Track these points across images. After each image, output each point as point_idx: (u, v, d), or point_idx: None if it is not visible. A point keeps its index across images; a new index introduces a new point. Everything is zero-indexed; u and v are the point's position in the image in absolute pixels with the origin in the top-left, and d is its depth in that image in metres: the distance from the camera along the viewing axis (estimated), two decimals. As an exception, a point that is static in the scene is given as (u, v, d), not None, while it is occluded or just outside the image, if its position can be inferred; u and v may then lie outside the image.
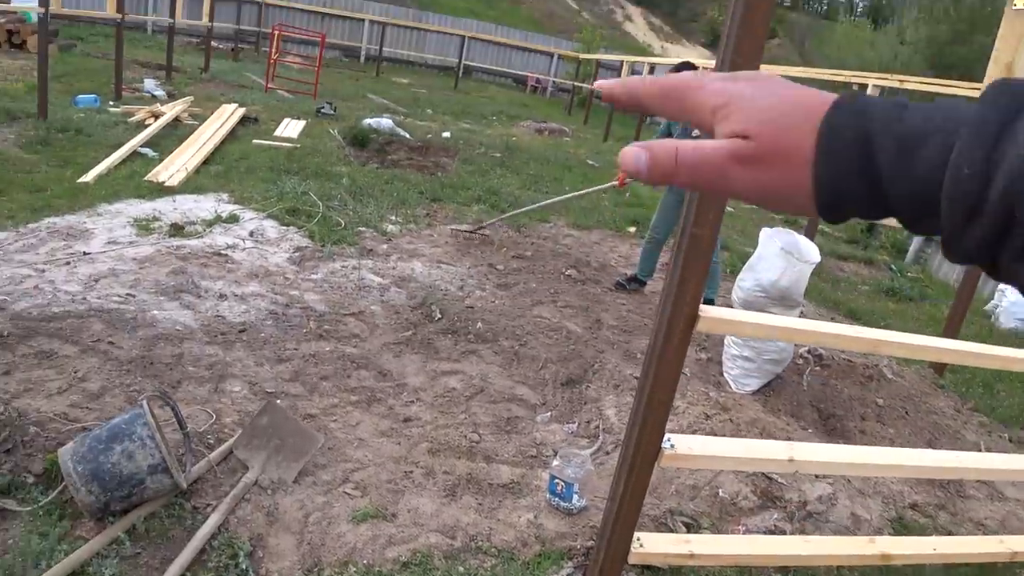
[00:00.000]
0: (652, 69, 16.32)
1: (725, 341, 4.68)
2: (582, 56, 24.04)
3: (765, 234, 4.44)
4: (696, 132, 5.11)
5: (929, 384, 5.25)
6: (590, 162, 12.54)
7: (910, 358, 5.10)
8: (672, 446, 2.37)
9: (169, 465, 2.39)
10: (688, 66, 5.78)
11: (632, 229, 7.98)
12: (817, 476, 3.58)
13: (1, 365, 3.26)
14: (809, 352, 5.11)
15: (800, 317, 5.11)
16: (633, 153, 0.51)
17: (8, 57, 12.85)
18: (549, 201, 7.04)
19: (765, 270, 4.29)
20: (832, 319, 6.26)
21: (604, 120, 17.54)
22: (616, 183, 5.58)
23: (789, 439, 3.79)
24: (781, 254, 4.23)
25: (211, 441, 2.97)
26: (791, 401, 4.43)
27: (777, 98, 0.49)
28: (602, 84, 0.56)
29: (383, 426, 3.45)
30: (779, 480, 3.52)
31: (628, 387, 4.08)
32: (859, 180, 0.46)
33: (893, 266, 9.31)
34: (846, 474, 3.46)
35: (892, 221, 0.48)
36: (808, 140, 0.47)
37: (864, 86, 7.36)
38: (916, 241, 9.93)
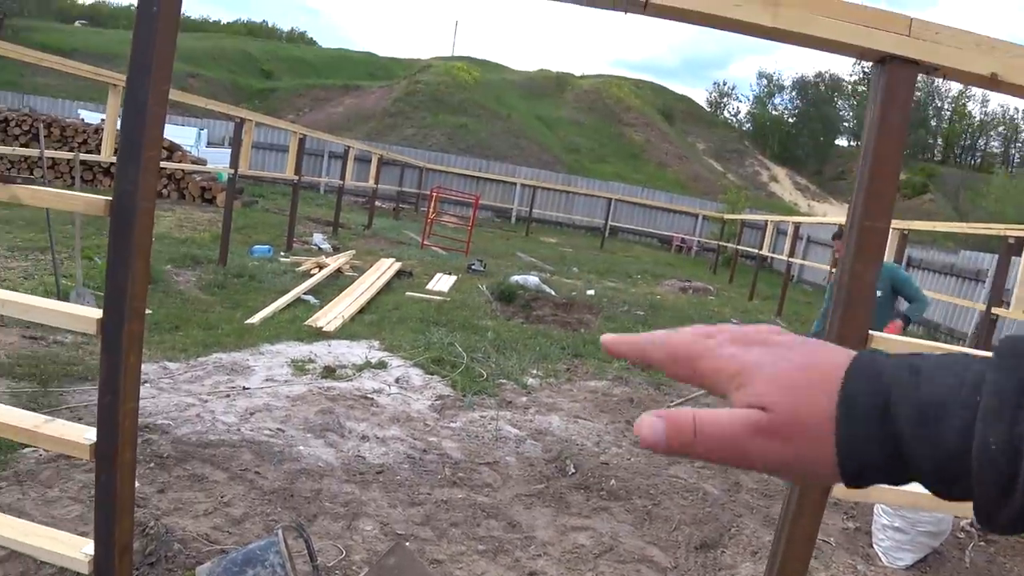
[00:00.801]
0: (797, 228, 16.17)
1: (875, 509, 4.36)
2: (727, 216, 24.21)
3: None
4: (878, 294, 4.98)
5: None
6: (733, 320, 12.36)
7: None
8: (809, 621, 2.21)
9: (296, 596, 2.45)
10: None
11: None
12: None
13: (157, 484, 3.52)
14: (972, 524, 4.66)
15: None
16: (649, 423, 0.49)
17: (199, 210, 14.41)
18: None
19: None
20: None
21: (750, 279, 17.38)
22: None
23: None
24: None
25: (339, 577, 3.03)
26: (951, 580, 4.03)
27: (791, 364, 0.48)
28: (608, 339, 0.56)
29: (508, 578, 3.40)
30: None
31: (767, 554, 3.84)
32: (881, 450, 0.45)
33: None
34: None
35: None
36: (826, 409, 0.46)
37: (1020, 239, 7.02)
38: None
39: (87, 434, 2.34)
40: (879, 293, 5.29)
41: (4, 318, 5.79)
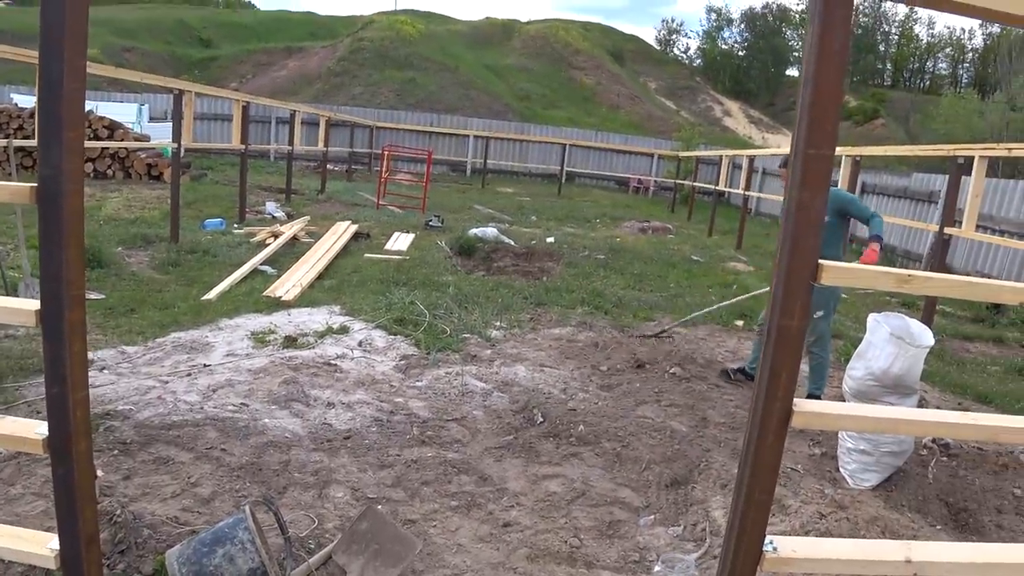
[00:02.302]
0: (752, 161, 16.26)
1: (840, 434, 4.46)
2: (681, 154, 24.27)
3: (873, 320, 4.28)
4: (825, 218, 4.91)
5: (1080, 472, 4.80)
6: (694, 257, 12.47)
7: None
8: (775, 549, 2.25)
9: (268, 569, 2.45)
10: None
11: (739, 323, 7.82)
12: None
13: (122, 470, 3.48)
14: (934, 442, 4.79)
15: (919, 404, 4.83)
16: None
17: (147, 188, 14.07)
18: (719, 305, 7.67)
19: (875, 357, 4.11)
20: (959, 405, 5.88)
21: (708, 215, 17.50)
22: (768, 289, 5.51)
23: (915, 538, 3.53)
24: (891, 339, 4.06)
25: (312, 546, 3.03)
26: (916, 496, 4.14)
27: None
28: None
29: (482, 531, 3.43)
30: (906, 587, 3.26)
31: (736, 486, 3.92)
32: None
33: (1026, 343, 8.72)
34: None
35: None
36: None
37: (970, 159, 7.12)
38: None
39: (38, 428, 2.29)
40: (826, 219, 5.28)
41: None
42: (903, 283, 2.13)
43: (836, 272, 2.07)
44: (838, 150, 11.26)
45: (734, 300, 7.46)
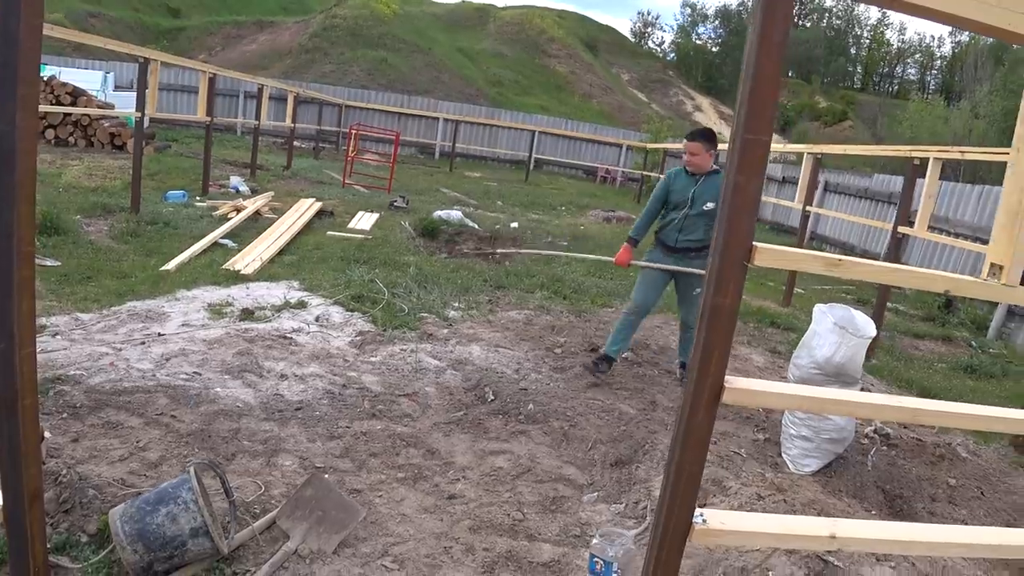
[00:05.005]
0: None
1: (783, 420, 4.59)
2: (650, 146, 24.43)
3: (819, 310, 4.41)
4: (710, 205, 5.04)
5: (1009, 463, 4.99)
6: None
7: (984, 431, 4.89)
8: (704, 521, 2.34)
9: (210, 529, 2.50)
10: (708, 133, 5.55)
11: (694, 314, 7.95)
12: (879, 559, 3.44)
13: (71, 433, 3.49)
14: (875, 432, 4.95)
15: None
16: None
17: (110, 157, 13.85)
18: (561, 253, 8.57)
19: (819, 346, 4.24)
20: (900, 403, 6.06)
21: (673, 209, 17.64)
22: (613, 260, 5.52)
23: (847, 521, 3.66)
24: (835, 329, 4.19)
25: (257, 511, 3.08)
26: (854, 482, 4.28)
27: None
28: None
29: (427, 503, 3.50)
30: (835, 563, 3.39)
31: (676, 467, 4.03)
32: None
33: (974, 343, 8.97)
34: (899, 552, 3.31)
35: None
36: None
37: (924, 160, 7.30)
38: (998, 316, 9.58)
39: (-17, 383, 2.31)
40: (711, 205, 5.22)
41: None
42: (833, 267, 2.22)
43: (769, 254, 2.16)
44: (801, 147, 11.48)
45: (594, 257, 7.54)
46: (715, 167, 5.40)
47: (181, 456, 3.46)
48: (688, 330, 5.56)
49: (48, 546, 2.54)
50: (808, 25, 56.60)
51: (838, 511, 3.83)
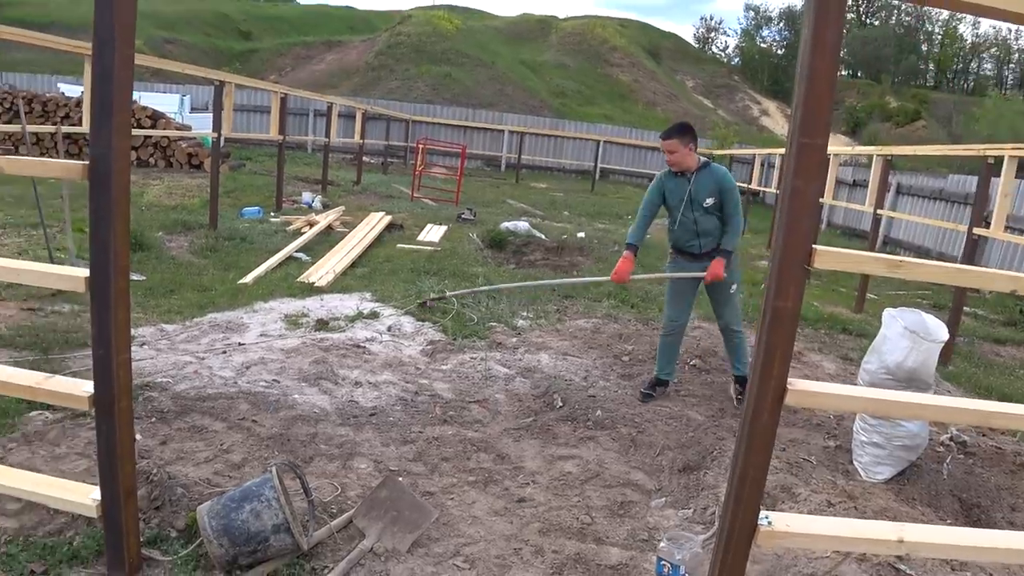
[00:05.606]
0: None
1: (854, 427, 4.53)
2: (716, 152, 24.16)
3: (888, 314, 4.34)
4: (710, 201, 4.87)
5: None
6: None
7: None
8: (769, 523, 2.35)
9: (291, 526, 2.63)
10: (682, 128, 5.09)
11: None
12: (953, 568, 3.37)
13: (159, 436, 3.71)
14: (951, 439, 4.84)
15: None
16: None
17: (188, 176, 14.43)
18: (535, 284, 7.72)
19: (889, 351, 4.18)
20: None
21: (741, 216, 17.42)
22: (610, 278, 5.29)
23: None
24: (905, 334, 4.12)
25: (335, 511, 3.21)
26: (928, 491, 4.19)
27: None
28: None
29: (497, 506, 3.58)
30: (908, 572, 3.34)
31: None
32: None
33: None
34: (971, 559, 3.25)
35: None
36: None
37: (1000, 158, 7.07)
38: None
39: (85, 386, 2.49)
40: (711, 201, 4.94)
41: (2, 292, 5.91)
42: (895, 268, 2.23)
43: (829, 256, 2.18)
44: (870, 149, 11.24)
45: (573, 280, 7.23)
46: (704, 160, 5.05)
47: (262, 458, 3.63)
48: (734, 335, 5.24)
49: (140, 539, 2.71)
50: (876, 23, 55.10)
51: (912, 519, 3.77)
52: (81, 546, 2.74)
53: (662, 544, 3.17)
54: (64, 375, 4.40)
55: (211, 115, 10.32)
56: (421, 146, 18.05)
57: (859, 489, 4.04)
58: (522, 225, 12.05)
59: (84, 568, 2.66)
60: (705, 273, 5.00)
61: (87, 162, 2.31)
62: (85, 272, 2.37)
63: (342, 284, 7.48)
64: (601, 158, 26.14)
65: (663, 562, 3.08)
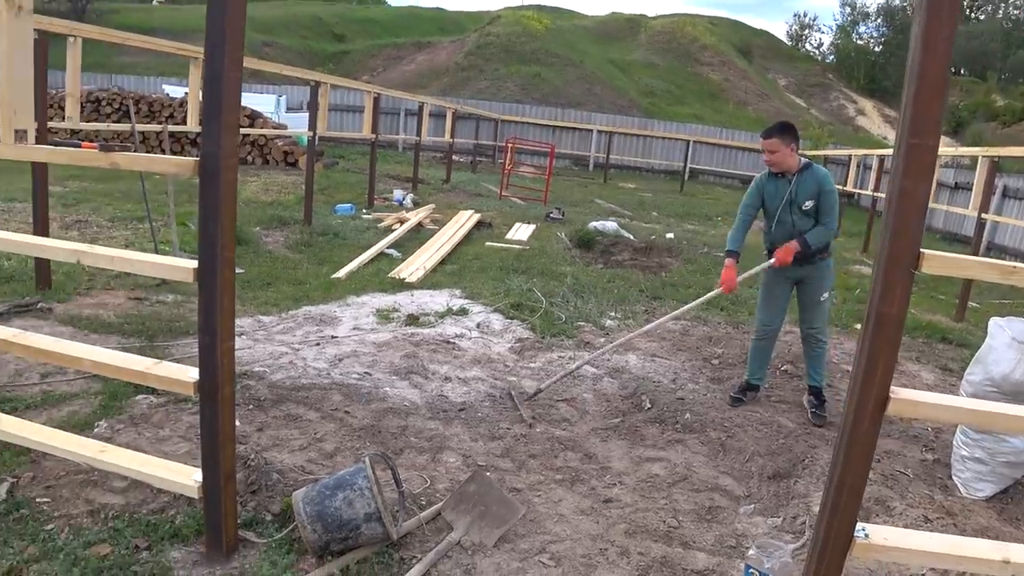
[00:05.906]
0: (883, 161, 15.61)
1: (955, 441, 4.34)
2: (810, 153, 23.49)
3: (995, 324, 4.14)
4: (809, 204, 4.64)
5: None
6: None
7: None
8: (866, 535, 2.27)
9: (382, 515, 2.69)
10: (784, 127, 4.89)
11: (859, 326, 7.61)
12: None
13: (256, 423, 3.86)
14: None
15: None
16: None
17: (283, 174, 14.89)
18: (654, 324, 5.68)
19: (995, 363, 3.98)
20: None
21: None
22: (721, 290, 5.07)
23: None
24: (1013, 344, 3.92)
25: (424, 503, 3.27)
26: (1036, 511, 3.99)
27: None
28: None
29: (584, 505, 3.57)
30: (1014, 595, 3.18)
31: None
32: None
33: None
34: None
35: None
36: None
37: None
38: None
39: (191, 372, 2.60)
40: (810, 204, 4.75)
41: (111, 281, 6.23)
42: (1008, 274, 2.14)
43: (938, 261, 2.10)
44: (975, 150, 10.73)
45: (686, 307, 5.63)
46: (806, 161, 4.85)
47: (354, 448, 3.73)
48: (817, 343, 5.05)
49: (238, 521, 2.82)
50: (982, 18, 52.37)
51: (1016, 540, 3.58)
52: (182, 525, 2.87)
53: (751, 551, 3.10)
54: (167, 361, 4.63)
55: (306, 114, 10.62)
56: (510, 145, 18.16)
57: (958, 505, 3.88)
58: (610, 225, 11.98)
59: (184, 546, 2.78)
60: (774, 260, 4.85)
61: (198, 158, 2.42)
62: (194, 263, 2.48)
63: (432, 280, 7.60)
64: (691, 158, 25.78)
65: (752, 570, 3.01)
